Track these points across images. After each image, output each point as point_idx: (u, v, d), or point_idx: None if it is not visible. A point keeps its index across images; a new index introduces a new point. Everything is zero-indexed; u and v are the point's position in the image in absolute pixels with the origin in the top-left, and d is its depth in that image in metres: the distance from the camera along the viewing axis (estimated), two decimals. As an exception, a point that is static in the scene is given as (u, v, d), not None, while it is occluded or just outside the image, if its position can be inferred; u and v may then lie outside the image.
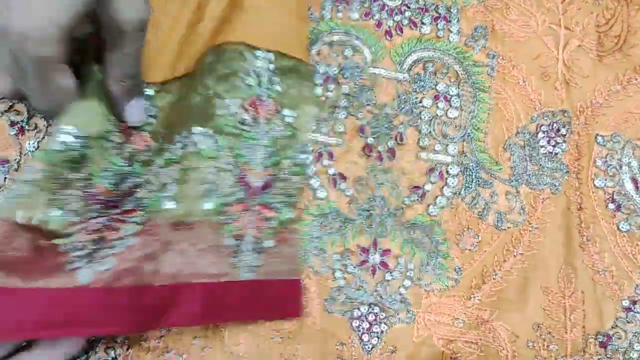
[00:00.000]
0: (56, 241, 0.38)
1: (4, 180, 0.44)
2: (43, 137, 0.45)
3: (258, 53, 0.46)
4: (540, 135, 0.51)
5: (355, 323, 0.45)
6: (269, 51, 0.46)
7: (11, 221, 0.36)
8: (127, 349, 0.42)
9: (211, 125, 0.43)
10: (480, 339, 0.46)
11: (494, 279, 0.47)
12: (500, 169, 0.49)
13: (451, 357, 0.46)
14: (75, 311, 0.36)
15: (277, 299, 0.43)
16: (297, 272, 0.44)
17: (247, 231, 0.42)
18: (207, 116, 0.43)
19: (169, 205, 0.41)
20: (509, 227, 0.48)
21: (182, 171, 0.42)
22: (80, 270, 0.37)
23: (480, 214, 0.48)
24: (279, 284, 0.43)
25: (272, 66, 0.46)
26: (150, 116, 0.45)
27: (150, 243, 0.40)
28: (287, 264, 0.43)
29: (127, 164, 0.42)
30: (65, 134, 0.39)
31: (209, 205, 0.42)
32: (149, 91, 0.45)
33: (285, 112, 0.46)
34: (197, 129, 0.42)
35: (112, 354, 0.42)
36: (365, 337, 0.44)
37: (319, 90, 0.49)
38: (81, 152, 0.40)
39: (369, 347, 0.44)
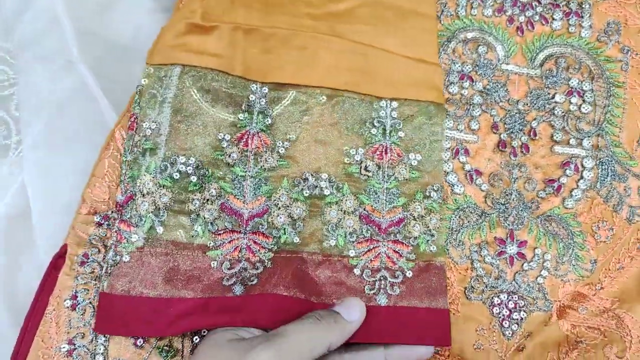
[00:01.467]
0: (209, 253, 0.44)
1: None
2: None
3: (382, 103, 0.49)
4: (676, 129, 0.51)
5: (496, 310, 0.47)
6: (393, 99, 0.49)
7: (174, 241, 0.43)
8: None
9: (339, 172, 0.47)
10: (603, 325, 0.48)
11: (619, 270, 0.48)
12: (635, 163, 0.50)
13: (575, 341, 0.47)
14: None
15: (421, 326, 0.44)
16: (443, 302, 0.45)
17: (380, 264, 0.45)
18: (334, 164, 0.47)
19: (296, 240, 0.45)
20: (638, 221, 0.49)
21: (308, 211, 0.46)
22: (234, 286, 0.43)
23: (614, 207, 0.49)
24: (423, 311, 0.44)
25: (394, 114, 0.49)
26: (266, 115, 0.47)
27: (283, 269, 0.44)
28: (431, 293, 0.45)
29: (247, 169, 0.46)
30: (179, 165, 0.45)
31: (332, 242, 0.46)
32: (265, 89, 0.48)
33: (411, 156, 0.48)
34: (324, 176, 0.47)
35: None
36: (506, 323, 0.47)
37: (455, 89, 0.51)
38: (199, 174, 0.45)
39: (509, 333, 0.47)
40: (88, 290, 0.44)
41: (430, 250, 0.46)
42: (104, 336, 0.43)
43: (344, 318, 0.40)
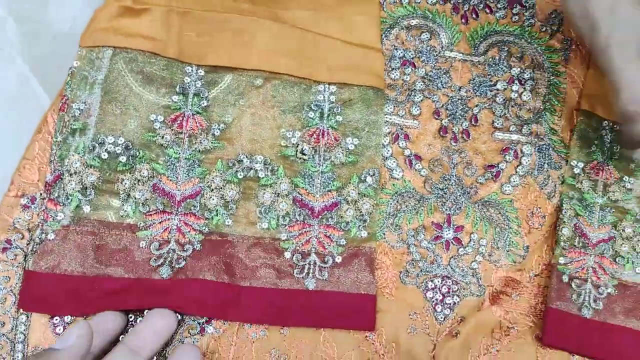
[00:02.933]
0: (138, 234, 0.44)
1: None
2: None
3: (320, 87, 0.49)
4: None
5: (430, 294, 0.47)
6: (331, 83, 0.49)
7: (102, 221, 0.43)
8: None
9: (274, 154, 0.47)
10: (534, 312, 0.48)
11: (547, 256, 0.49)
12: (568, 152, 0.51)
13: (508, 327, 0.48)
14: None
15: (348, 311, 0.45)
16: (371, 287, 0.45)
17: (310, 248, 0.46)
18: (271, 146, 0.47)
19: (228, 222, 0.45)
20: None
21: (242, 193, 0.46)
22: (161, 267, 0.43)
23: (549, 194, 0.50)
24: (351, 297, 0.45)
25: (333, 98, 0.49)
26: (201, 97, 0.47)
27: (212, 253, 0.44)
28: (359, 279, 0.45)
29: (181, 150, 0.46)
30: (108, 145, 0.44)
31: (264, 225, 0.46)
32: (200, 71, 0.48)
33: (348, 140, 0.48)
34: (259, 158, 0.47)
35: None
36: (439, 308, 0.47)
37: (396, 74, 0.51)
38: (128, 155, 0.44)
39: (442, 317, 0.47)
40: (9, 277, 0.43)
41: (361, 236, 0.46)
42: (24, 324, 0.42)
43: None
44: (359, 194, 0.47)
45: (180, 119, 0.46)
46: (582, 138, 0.51)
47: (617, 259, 0.48)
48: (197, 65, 0.47)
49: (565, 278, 0.47)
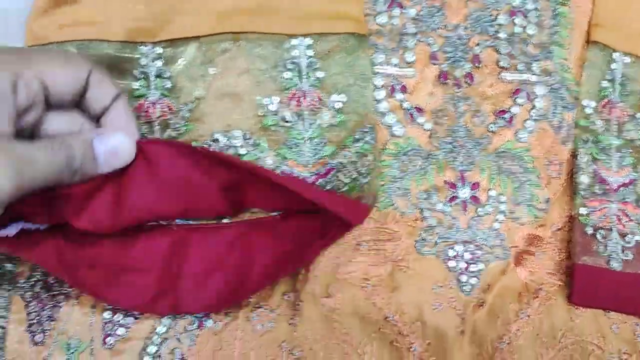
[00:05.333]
0: None
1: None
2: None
3: (294, 41, 0.42)
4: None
5: (452, 263, 0.42)
6: (306, 35, 0.42)
7: None
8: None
9: (254, 126, 0.41)
10: (561, 269, 0.43)
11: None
12: (579, 91, 0.45)
13: (535, 289, 0.43)
14: None
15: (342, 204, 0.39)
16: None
17: None
18: (248, 118, 0.41)
19: None
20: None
21: None
22: None
23: (563, 140, 0.45)
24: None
25: (310, 52, 0.42)
26: (164, 78, 0.41)
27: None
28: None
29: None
30: None
31: None
32: (158, 48, 0.41)
33: (333, 97, 0.42)
34: (237, 133, 0.41)
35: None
36: (464, 278, 0.41)
37: (383, 18, 0.44)
38: None
39: (468, 289, 0.41)
40: None
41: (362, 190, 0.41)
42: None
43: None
44: (356, 153, 0.41)
45: (146, 106, 0.41)
46: (592, 73, 0.45)
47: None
48: (153, 44, 0.41)
49: (589, 230, 0.43)
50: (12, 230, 0.35)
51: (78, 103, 0.36)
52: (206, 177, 0.38)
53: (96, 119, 0.37)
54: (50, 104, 0.35)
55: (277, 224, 0.41)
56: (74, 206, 0.35)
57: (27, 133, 0.34)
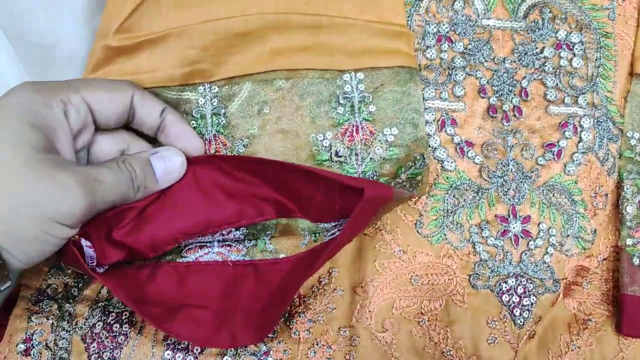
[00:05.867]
0: None
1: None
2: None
3: (346, 76, 0.43)
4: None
5: (505, 297, 0.42)
6: (357, 70, 0.43)
7: None
8: (279, 342, 0.40)
9: (308, 162, 0.41)
10: (609, 299, 0.44)
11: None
12: (623, 122, 0.46)
13: (584, 319, 0.43)
14: None
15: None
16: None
17: None
18: (303, 154, 0.42)
19: (269, 247, 0.41)
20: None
21: None
22: None
23: (608, 171, 0.45)
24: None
25: (361, 86, 0.43)
26: (219, 115, 0.42)
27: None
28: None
29: None
30: None
31: (306, 240, 0.41)
32: (214, 87, 0.42)
33: (386, 131, 0.42)
34: None
35: (263, 347, 0.39)
36: (517, 311, 0.42)
37: (432, 53, 0.44)
38: None
39: (520, 322, 0.42)
40: (44, 331, 0.38)
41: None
42: None
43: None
44: (407, 179, 0.41)
45: (204, 143, 0.41)
46: (637, 105, 0.46)
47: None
48: (210, 83, 0.42)
49: (636, 260, 0.43)
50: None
51: (129, 125, 0.38)
52: (256, 186, 0.38)
53: (154, 138, 0.39)
54: (98, 127, 0.37)
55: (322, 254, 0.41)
56: (130, 222, 0.37)
57: (82, 156, 0.36)
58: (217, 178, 0.39)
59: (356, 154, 0.42)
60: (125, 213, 0.37)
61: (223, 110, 0.42)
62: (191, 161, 0.39)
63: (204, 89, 0.42)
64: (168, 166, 0.38)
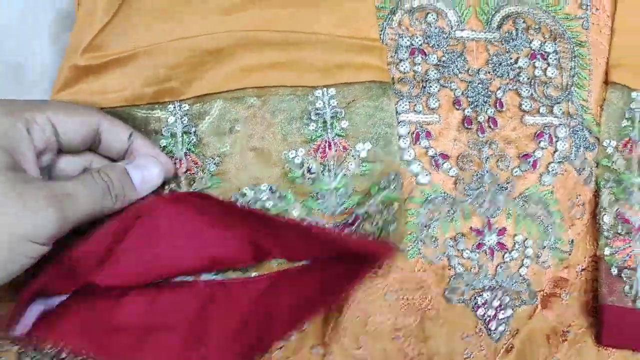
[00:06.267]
0: None
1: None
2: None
3: (318, 92, 0.42)
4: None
5: (481, 311, 0.42)
6: (329, 86, 0.42)
7: None
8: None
9: (281, 179, 0.41)
10: (587, 310, 0.44)
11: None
12: (599, 130, 0.46)
13: (563, 331, 0.43)
14: None
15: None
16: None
17: None
18: (275, 171, 0.41)
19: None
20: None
21: None
22: None
23: (585, 180, 0.45)
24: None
25: (333, 102, 0.42)
26: (190, 134, 0.42)
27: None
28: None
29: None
30: None
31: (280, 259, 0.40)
32: (185, 106, 0.42)
33: (358, 146, 0.42)
34: (264, 186, 0.41)
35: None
36: (493, 325, 0.42)
37: (406, 66, 0.44)
38: None
39: (496, 335, 0.41)
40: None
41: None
42: None
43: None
44: (382, 202, 0.40)
45: (174, 161, 0.41)
46: (612, 113, 0.46)
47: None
48: (180, 101, 0.41)
49: (614, 270, 0.43)
50: (29, 320, 0.35)
51: (95, 150, 0.38)
52: (231, 229, 0.38)
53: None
54: (62, 149, 0.37)
55: (302, 274, 0.41)
56: (96, 263, 0.36)
57: (44, 175, 0.36)
58: (191, 218, 0.38)
59: (329, 170, 0.41)
60: (90, 257, 0.36)
61: (194, 129, 0.41)
62: (166, 201, 0.38)
63: (174, 108, 0.41)
64: (145, 175, 0.37)
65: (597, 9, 0.47)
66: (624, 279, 0.43)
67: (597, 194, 0.45)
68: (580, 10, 0.47)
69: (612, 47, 0.47)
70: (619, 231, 0.44)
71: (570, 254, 0.44)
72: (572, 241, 0.44)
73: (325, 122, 0.42)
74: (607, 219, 0.44)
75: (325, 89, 0.43)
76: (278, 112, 0.42)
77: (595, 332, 0.43)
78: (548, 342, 0.43)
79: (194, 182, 0.41)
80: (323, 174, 0.41)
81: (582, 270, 0.44)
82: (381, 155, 0.42)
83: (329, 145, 0.42)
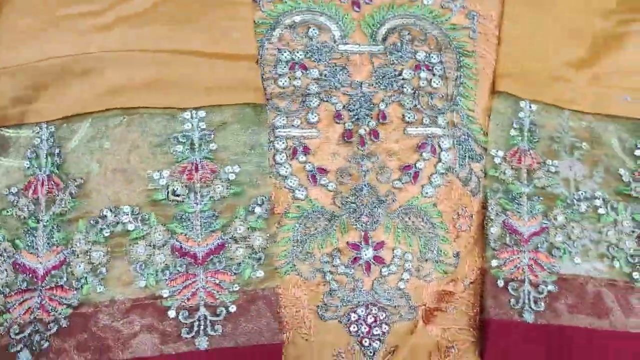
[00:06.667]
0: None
1: None
2: None
3: (186, 114, 0.42)
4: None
5: (353, 328, 0.41)
6: (199, 108, 0.42)
7: None
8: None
9: (143, 201, 0.41)
10: (473, 326, 0.43)
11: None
12: (487, 140, 0.45)
13: (447, 347, 0.42)
14: None
15: None
16: (275, 335, 0.39)
17: (198, 301, 0.39)
18: (138, 193, 0.41)
19: (100, 288, 0.39)
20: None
21: (110, 253, 0.40)
22: (20, 353, 0.37)
23: (472, 191, 0.44)
24: (252, 350, 0.38)
25: (203, 124, 0.42)
26: (54, 154, 0.41)
27: (80, 328, 0.38)
28: (260, 327, 0.39)
29: (38, 219, 0.40)
30: None
31: (141, 283, 0.39)
32: (51, 127, 0.42)
33: (227, 169, 0.42)
34: (126, 209, 0.40)
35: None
36: (366, 342, 0.40)
37: (285, 81, 0.44)
38: None
39: (371, 352, 0.40)
40: None
41: (257, 277, 0.40)
42: None
43: None
44: (248, 228, 0.40)
45: (35, 184, 0.41)
46: (500, 123, 0.45)
47: (552, 252, 0.42)
48: (47, 123, 0.42)
49: (500, 282, 0.42)
50: None
51: None
52: None
53: None
54: None
55: None
56: None
57: None
58: None
59: (195, 193, 0.41)
60: None
61: (58, 150, 0.41)
62: None
63: (40, 129, 0.42)
64: None
65: (484, 18, 0.47)
66: (510, 291, 0.42)
67: (485, 205, 0.44)
68: (467, 20, 0.47)
69: (499, 57, 0.46)
70: (507, 242, 0.43)
71: (456, 267, 0.43)
72: (458, 254, 0.43)
73: (193, 144, 0.42)
74: (493, 230, 0.43)
75: (194, 110, 0.43)
76: (145, 133, 0.42)
77: (480, 347, 0.41)
78: (430, 358, 0.41)
79: (53, 205, 0.41)
80: (189, 197, 0.41)
81: (471, 283, 0.43)
82: (250, 178, 0.42)
83: (196, 168, 0.42)
